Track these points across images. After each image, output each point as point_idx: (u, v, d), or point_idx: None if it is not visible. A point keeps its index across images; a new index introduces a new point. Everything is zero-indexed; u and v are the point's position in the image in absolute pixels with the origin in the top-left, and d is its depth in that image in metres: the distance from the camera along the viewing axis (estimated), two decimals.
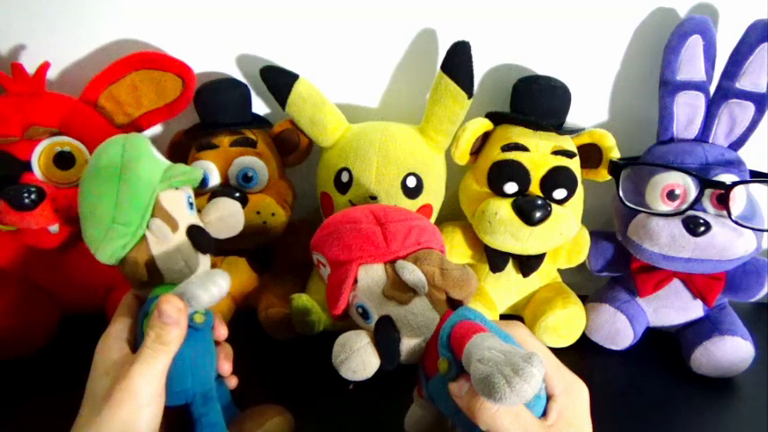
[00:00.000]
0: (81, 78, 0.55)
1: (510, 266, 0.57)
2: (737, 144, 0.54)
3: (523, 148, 0.53)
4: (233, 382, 0.43)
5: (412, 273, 0.35)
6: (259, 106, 0.62)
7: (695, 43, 0.53)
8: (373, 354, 0.35)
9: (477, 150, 0.57)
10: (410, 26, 0.58)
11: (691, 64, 0.53)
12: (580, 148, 0.56)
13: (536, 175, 0.52)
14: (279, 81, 0.54)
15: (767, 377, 0.55)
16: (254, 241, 0.55)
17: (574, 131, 0.56)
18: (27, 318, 0.53)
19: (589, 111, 0.61)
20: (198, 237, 0.40)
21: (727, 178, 0.51)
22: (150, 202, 0.38)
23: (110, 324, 0.39)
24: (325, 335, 0.54)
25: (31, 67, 0.52)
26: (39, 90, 0.52)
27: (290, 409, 0.44)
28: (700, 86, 0.54)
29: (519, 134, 0.54)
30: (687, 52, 0.53)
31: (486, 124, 0.55)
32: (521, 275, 0.58)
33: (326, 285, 0.40)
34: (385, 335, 0.35)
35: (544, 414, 0.32)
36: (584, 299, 0.60)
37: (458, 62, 0.51)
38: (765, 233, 0.52)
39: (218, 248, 0.43)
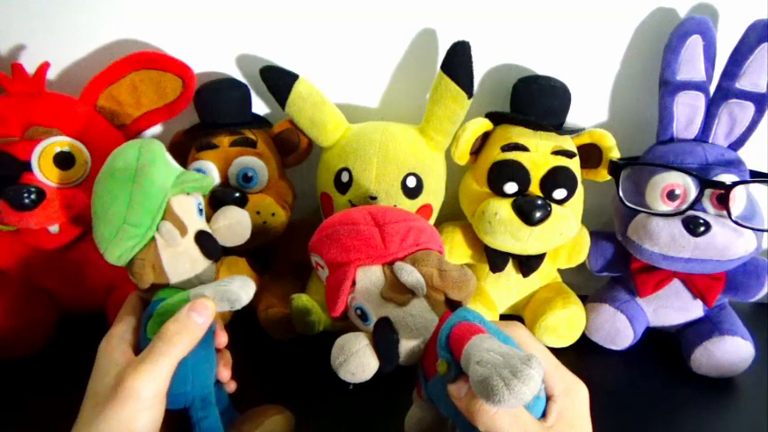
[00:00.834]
0: (81, 78, 0.55)
1: (510, 266, 0.57)
2: (737, 144, 0.54)
3: (523, 148, 0.53)
4: (231, 386, 0.43)
5: (410, 274, 0.35)
6: (259, 106, 0.62)
7: (695, 43, 0.53)
8: (372, 356, 0.35)
9: (477, 150, 0.57)
10: (410, 26, 0.58)
11: (691, 64, 0.53)
12: (580, 148, 0.56)
13: (536, 175, 0.52)
14: (279, 81, 0.54)
15: (767, 377, 0.55)
16: (254, 241, 0.55)
17: (574, 131, 0.56)
18: (27, 318, 0.53)
19: (589, 111, 0.61)
20: (206, 242, 0.41)
21: (727, 178, 0.51)
22: (161, 205, 0.39)
23: (113, 324, 0.39)
24: (325, 335, 0.54)
25: (30, 67, 0.52)
26: (39, 90, 0.52)
27: (290, 409, 0.44)
28: (700, 86, 0.54)
29: (519, 134, 0.54)
30: (687, 52, 0.53)
31: (485, 124, 0.55)
32: (521, 275, 0.58)
33: (325, 287, 0.40)
34: (383, 337, 0.35)
35: (544, 415, 0.32)
36: (584, 299, 0.60)
37: (458, 62, 0.51)
38: (765, 233, 0.52)
39: None
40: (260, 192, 0.56)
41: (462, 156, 0.55)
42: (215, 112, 0.55)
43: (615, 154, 0.55)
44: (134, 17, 0.56)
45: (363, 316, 0.37)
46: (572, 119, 0.58)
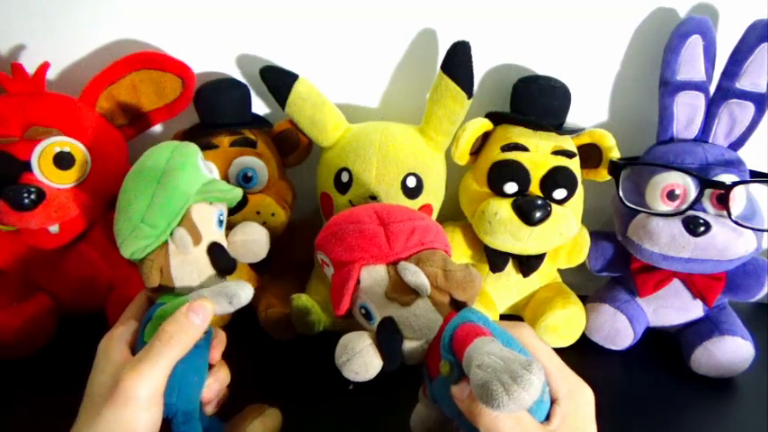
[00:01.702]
0: (81, 78, 0.55)
1: (510, 266, 0.57)
2: (737, 144, 0.54)
3: (523, 149, 0.53)
4: (209, 409, 0.41)
5: (414, 274, 0.35)
6: (259, 106, 0.62)
7: (695, 43, 0.53)
8: (375, 355, 0.35)
9: (477, 150, 0.57)
10: (410, 26, 0.58)
11: (691, 64, 0.53)
12: (580, 148, 0.56)
13: (536, 176, 0.52)
14: (279, 81, 0.54)
15: (767, 377, 0.55)
16: None
17: (574, 131, 0.56)
18: (27, 318, 0.53)
19: (589, 111, 0.61)
20: (217, 255, 0.41)
21: (727, 178, 0.51)
22: (181, 211, 0.39)
23: (116, 324, 0.39)
24: (325, 335, 0.55)
25: (30, 67, 0.52)
26: (38, 90, 0.52)
27: (289, 409, 0.44)
28: (700, 86, 0.54)
29: (519, 134, 0.54)
30: (687, 52, 0.53)
31: (485, 124, 0.55)
32: (521, 275, 0.58)
33: (330, 285, 0.40)
34: (387, 337, 0.35)
35: (548, 418, 0.32)
36: (584, 299, 0.60)
37: (458, 62, 0.51)
38: (765, 233, 0.52)
39: None
40: (260, 192, 0.56)
41: (462, 156, 0.55)
42: (215, 112, 0.55)
43: (615, 154, 0.55)
44: (134, 17, 0.56)
45: (368, 315, 0.37)
46: (572, 119, 0.58)
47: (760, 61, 0.52)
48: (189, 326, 0.36)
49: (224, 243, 0.43)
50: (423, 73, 0.59)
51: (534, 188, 0.53)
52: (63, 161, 0.50)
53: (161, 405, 0.35)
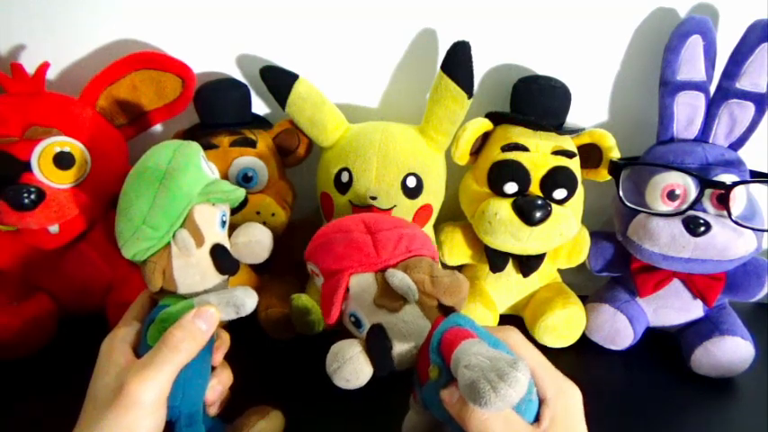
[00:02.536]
0: (81, 78, 0.55)
1: (510, 266, 0.57)
2: (738, 144, 0.54)
3: (523, 149, 0.53)
4: (212, 410, 0.41)
5: (401, 281, 0.35)
6: (259, 106, 0.62)
7: (695, 43, 0.53)
8: (365, 362, 0.35)
9: (477, 150, 0.57)
10: (410, 26, 0.58)
11: (691, 64, 0.53)
12: (580, 148, 0.56)
13: (536, 176, 0.52)
14: (279, 81, 0.54)
15: (767, 377, 0.55)
16: None
17: (574, 131, 0.56)
18: (27, 318, 0.53)
19: (589, 111, 0.61)
20: (220, 257, 0.41)
21: (727, 178, 0.51)
22: (183, 212, 0.38)
23: (118, 324, 0.39)
24: (324, 335, 0.54)
25: (30, 67, 0.52)
26: (38, 90, 0.52)
27: (289, 409, 0.44)
28: (700, 86, 0.54)
29: (519, 134, 0.54)
30: (687, 52, 0.53)
31: (486, 124, 0.55)
32: (521, 275, 0.58)
33: (320, 295, 0.40)
34: (376, 343, 0.35)
35: (537, 419, 0.32)
36: (584, 299, 0.60)
37: (458, 62, 0.51)
38: (765, 233, 0.52)
39: None
40: (260, 192, 0.56)
41: (462, 156, 0.55)
42: (215, 112, 0.55)
43: (615, 154, 0.55)
44: (134, 17, 0.56)
45: (357, 323, 0.38)
46: (572, 119, 0.58)
47: (760, 61, 0.52)
48: (196, 332, 0.36)
49: (227, 244, 0.42)
50: (423, 73, 0.59)
51: (534, 188, 0.53)
52: (63, 161, 0.50)
53: (164, 410, 0.35)
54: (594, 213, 0.59)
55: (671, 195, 0.52)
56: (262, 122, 0.60)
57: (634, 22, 0.57)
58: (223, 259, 0.41)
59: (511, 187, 0.53)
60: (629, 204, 0.53)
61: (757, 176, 0.53)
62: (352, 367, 0.35)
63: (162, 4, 0.56)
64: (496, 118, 0.56)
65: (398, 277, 0.35)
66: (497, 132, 0.56)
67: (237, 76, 0.60)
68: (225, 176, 0.55)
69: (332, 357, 0.36)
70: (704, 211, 0.51)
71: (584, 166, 0.56)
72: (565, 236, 0.52)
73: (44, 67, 0.52)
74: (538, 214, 0.50)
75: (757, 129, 0.54)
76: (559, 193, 0.53)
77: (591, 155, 0.56)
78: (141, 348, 0.37)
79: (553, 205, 0.51)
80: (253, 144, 0.56)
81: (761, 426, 0.50)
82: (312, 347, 0.54)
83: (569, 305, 0.57)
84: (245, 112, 0.58)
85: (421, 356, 0.36)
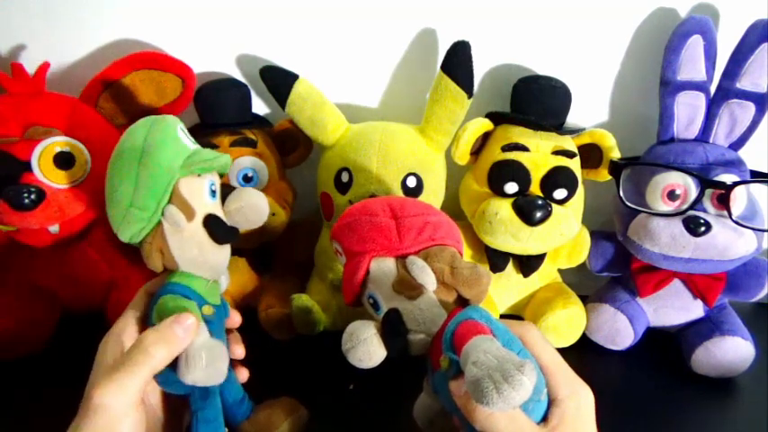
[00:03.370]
0: (81, 78, 0.55)
1: (510, 266, 0.57)
2: (738, 144, 0.54)
3: (524, 148, 0.53)
4: (243, 374, 0.42)
5: (420, 269, 0.36)
6: (259, 106, 0.62)
7: (696, 43, 0.53)
8: (379, 345, 0.35)
9: (477, 150, 0.57)
10: (410, 26, 0.58)
11: (691, 64, 0.53)
12: (580, 148, 0.56)
13: (536, 176, 0.52)
14: (279, 81, 0.54)
15: (767, 377, 0.55)
16: (254, 241, 0.55)
17: (574, 131, 0.56)
18: (27, 318, 0.53)
19: (589, 111, 0.61)
20: (214, 227, 0.40)
21: (727, 178, 0.51)
22: (168, 188, 0.38)
23: (115, 323, 0.38)
24: (325, 335, 0.55)
25: (31, 67, 0.52)
26: (39, 90, 0.52)
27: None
28: (700, 86, 0.54)
29: (519, 134, 0.54)
30: (688, 52, 0.53)
31: (486, 124, 0.55)
32: (521, 275, 0.58)
33: (342, 273, 0.40)
34: (391, 328, 0.36)
35: (545, 418, 0.32)
36: (585, 299, 0.60)
37: (458, 62, 0.51)
38: (766, 233, 0.52)
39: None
40: (260, 191, 0.56)
41: (462, 156, 0.55)
42: (215, 112, 0.55)
43: (616, 154, 0.55)
44: (134, 17, 0.56)
45: (375, 305, 0.38)
46: (572, 119, 0.58)
47: (760, 61, 0.51)
48: (171, 338, 0.34)
49: (220, 213, 0.41)
50: (423, 73, 0.59)
51: (535, 188, 0.53)
52: (63, 161, 0.50)
53: (141, 409, 0.34)
54: (595, 213, 0.59)
55: (671, 195, 0.52)
56: (262, 122, 0.60)
57: (634, 21, 0.57)
58: (217, 229, 0.40)
59: (511, 187, 0.53)
60: (629, 204, 0.53)
61: (758, 176, 0.53)
62: (365, 348, 0.35)
63: (162, 4, 0.56)
64: (497, 118, 0.56)
65: (418, 266, 0.36)
66: (498, 132, 0.56)
67: (237, 76, 0.60)
68: (225, 176, 0.55)
69: (347, 337, 0.36)
70: (704, 211, 0.51)
71: (584, 166, 0.56)
72: (565, 236, 0.52)
73: (44, 67, 0.52)
74: (538, 214, 0.50)
75: (758, 129, 0.54)
76: (560, 193, 0.53)
77: (591, 155, 0.56)
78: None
79: (553, 205, 0.51)
80: (253, 144, 0.56)
81: (761, 426, 0.50)
82: (312, 347, 0.54)
83: (570, 305, 0.57)
84: (245, 112, 0.58)
85: (434, 345, 0.36)
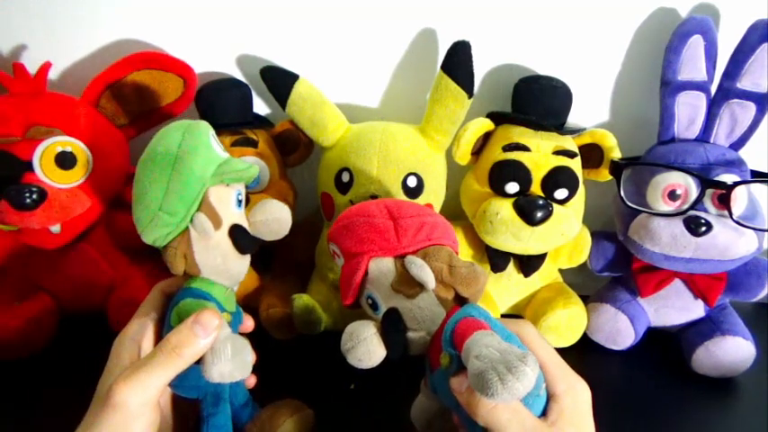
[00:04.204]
0: (82, 78, 0.55)
1: (511, 266, 0.57)
2: (739, 144, 0.54)
3: (525, 148, 0.53)
4: (251, 381, 0.42)
5: (419, 268, 0.36)
6: (260, 106, 0.62)
7: (696, 43, 0.53)
8: (379, 344, 0.36)
9: (478, 150, 0.57)
10: (410, 26, 0.58)
11: (692, 64, 0.53)
12: (581, 148, 0.56)
13: (537, 175, 0.52)
14: (279, 81, 0.54)
15: (767, 377, 0.55)
16: None
17: (575, 131, 0.56)
18: (28, 318, 0.53)
19: (590, 111, 0.61)
20: (239, 237, 0.40)
21: (728, 178, 0.51)
22: (198, 196, 0.38)
23: (130, 321, 0.39)
24: (325, 334, 0.55)
25: (32, 67, 0.52)
26: (40, 90, 0.52)
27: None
28: (701, 86, 0.54)
29: (520, 134, 0.54)
30: (688, 52, 0.53)
31: (486, 124, 0.55)
32: (522, 275, 0.58)
33: (340, 275, 0.40)
34: (391, 327, 0.36)
35: (544, 414, 0.32)
36: (585, 299, 0.60)
37: (458, 62, 0.51)
38: (766, 233, 0.52)
39: None
40: (261, 192, 0.56)
41: (463, 156, 0.55)
42: (216, 112, 0.55)
43: (616, 154, 0.55)
44: (134, 17, 0.56)
45: (374, 305, 0.38)
46: (573, 119, 0.58)
47: (761, 61, 0.52)
48: (193, 340, 0.34)
49: (244, 224, 0.41)
50: (423, 73, 0.59)
51: (535, 188, 0.53)
52: (64, 161, 0.50)
53: (156, 410, 0.34)
54: (595, 213, 0.59)
55: (672, 195, 0.52)
56: (263, 122, 0.60)
57: (635, 22, 0.57)
58: (242, 239, 0.40)
59: (512, 187, 0.53)
60: (630, 204, 0.53)
61: (758, 176, 0.53)
62: (365, 348, 0.36)
63: (162, 4, 0.56)
64: (497, 118, 0.56)
65: (417, 265, 0.36)
66: (498, 132, 0.56)
67: (238, 76, 0.60)
68: None
69: (347, 336, 0.36)
70: (705, 211, 0.51)
71: (585, 165, 0.56)
72: (566, 236, 0.52)
73: (46, 66, 0.52)
74: (539, 214, 0.50)
75: (758, 129, 0.54)
76: (560, 193, 0.53)
77: (592, 155, 0.56)
78: (165, 331, 0.37)
79: (554, 205, 0.51)
80: (254, 144, 0.56)
81: (761, 426, 0.50)
82: (313, 347, 0.54)
83: (570, 305, 0.57)
84: (246, 111, 0.58)
85: (433, 343, 0.36)
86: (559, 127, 0.55)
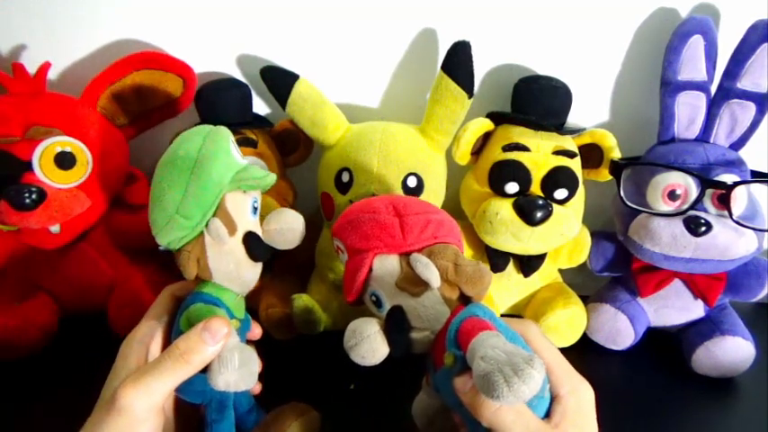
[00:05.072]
0: (82, 78, 0.55)
1: (511, 266, 0.57)
2: (738, 144, 0.54)
3: (524, 148, 0.53)
4: (256, 387, 0.42)
5: (425, 266, 0.35)
6: (260, 106, 0.62)
7: (696, 43, 0.53)
8: (382, 342, 0.35)
9: (477, 150, 0.57)
10: (410, 26, 0.58)
11: (692, 64, 0.53)
12: (581, 148, 0.56)
13: (537, 175, 0.52)
14: (279, 81, 0.54)
15: (767, 377, 0.55)
16: None
17: (575, 131, 0.56)
18: (27, 318, 0.53)
19: (590, 111, 0.61)
20: (253, 245, 0.40)
21: (728, 178, 0.51)
22: (215, 201, 0.38)
23: (139, 323, 0.39)
24: (325, 334, 0.55)
25: (31, 67, 0.52)
26: (40, 90, 0.52)
27: None
28: (701, 86, 0.54)
29: (520, 134, 0.54)
30: (688, 52, 0.53)
31: (486, 124, 0.55)
32: (522, 275, 0.58)
33: (344, 271, 0.40)
34: (395, 325, 0.36)
35: (548, 415, 0.32)
36: (585, 299, 0.60)
37: (458, 62, 0.51)
38: (766, 233, 0.52)
39: None
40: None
41: (463, 156, 0.55)
42: (216, 112, 0.55)
43: (616, 154, 0.55)
44: (134, 17, 0.56)
45: (378, 302, 0.38)
46: (573, 119, 0.58)
47: (761, 61, 0.52)
48: (201, 347, 0.34)
49: (258, 231, 0.42)
50: (423, 73, 0.59)
51: (535, 188, 0.53)
52: (64, 161, 0.50)
53: (161, 415, 0.34)
54: (595, 213, 0.59)
55: (672, 195, 0.52)
56: (263, 122, 0.60)
57: (635, 21, 0.57)
58: (256, 247, 0.40)
59: (512, 187, 0.53)
60: (629, 204, 0.53)
61: (758, 176, 0.53)
62: (369, 346, 0.35)
63: (162, 4, 0.56)
64: (497, 118, 0.56)
65: (423, 262, 0.36)
66: (498, 132, 0.56)
67: (238, 76, 0.60)
68: None
69: (350, 334, 0.36)
70: (705, 211, 0.51)
71: (585, 165, 0.56)
72: (566, 236, 0.52)
73: (45, 66, 0.52)
74: (539, 214, 0.50)
75: (758, 129, 0.54)
76: (560, 193, 0.53)
77: (592, 155, 0.56)
78: (174, 336, 0.37)
79: (554, 205, 0.51)
80: (254, 144, 0.56)
81: (761, 426, 0.50)
82: (313, 347, 0.54)
83: (570, 305, 0.57)
84: (246, 111, 0.58)
85: (437, 342, 0.36)
86: (559, 127, 0.55)
